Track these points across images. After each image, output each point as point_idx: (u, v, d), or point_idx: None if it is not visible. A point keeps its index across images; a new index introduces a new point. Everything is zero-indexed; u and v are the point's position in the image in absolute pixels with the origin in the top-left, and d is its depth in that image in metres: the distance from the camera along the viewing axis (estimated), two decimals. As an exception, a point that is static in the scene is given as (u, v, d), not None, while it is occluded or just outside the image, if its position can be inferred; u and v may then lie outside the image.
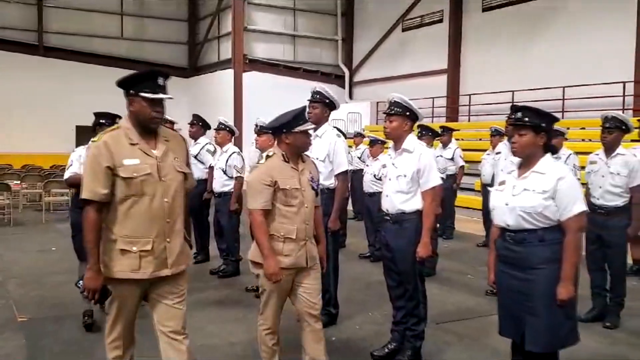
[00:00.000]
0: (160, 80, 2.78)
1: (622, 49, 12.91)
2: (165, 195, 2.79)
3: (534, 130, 2.91)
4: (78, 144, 4.94)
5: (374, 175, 6.85)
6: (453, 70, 17.60)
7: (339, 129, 4.93)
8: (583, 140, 12.23)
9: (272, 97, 17.99)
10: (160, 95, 2.77)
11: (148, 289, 2.88)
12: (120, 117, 4.64)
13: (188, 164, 2.99)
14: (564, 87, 13.86)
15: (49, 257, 7.46)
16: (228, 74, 18.97)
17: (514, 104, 6.25)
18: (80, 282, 2.86)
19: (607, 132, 4.74)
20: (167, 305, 2.88)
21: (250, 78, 18.66)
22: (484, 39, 16.66)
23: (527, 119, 2.93)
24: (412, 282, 3.86)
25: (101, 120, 4.63)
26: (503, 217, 2.95)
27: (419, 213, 3.80)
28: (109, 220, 2.77)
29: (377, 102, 19.43)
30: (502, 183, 3.06)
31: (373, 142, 7.55)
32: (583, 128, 12.84)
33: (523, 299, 2.90)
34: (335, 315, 4.78)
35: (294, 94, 15.60)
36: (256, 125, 7.23)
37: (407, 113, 3.87)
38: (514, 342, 3.09)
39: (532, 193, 2.84)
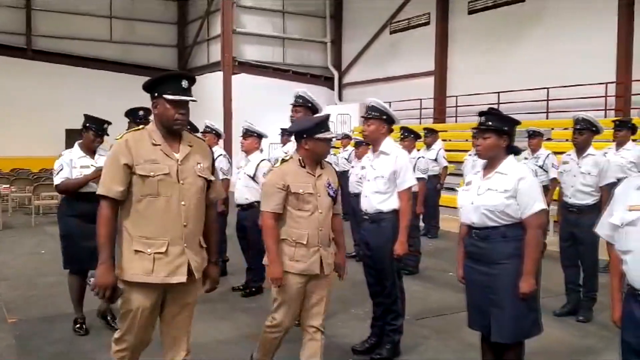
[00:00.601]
0: (184, 83, 2.76)
1: (604, 51, 13.16)
2: (183, 198, 2.73)
3: (497, 133, 3.08)
4: (68, 147, 4.85)
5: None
6: (440, 72, 17.81)
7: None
8: (567, 140, 12.42)
9: (262, 99, 18.17)
10: (182, 97, 2.73)
11: (163, 299, 2.81)
12: (110, 123, 4.65)
13: (214, 173, 2.93)
14: (548, 88, 14.10)
15: (39, 260, 7.55)
16: (217, 76, 19.06)
17: (481, 109, 6.39)
18: (91, 279, 2.75)
19: (578, 133, 4.93)
20: (174, 317, 2.84)
21: (240, 80, 18.76)
22: (470, 41, 16.88)
23: (490, 123, 3.10)
24: (390, 278, 4.01)
25: (87, 124, 4.57)
26: (469, 215, 3.12)
27: (395, 212, 3.96)
28: (125, 219, 2.74)
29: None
30: (468, 183, 3.23)
31: (359, 144, 7.69)
32: (566, 128, 13.07)
33: (488, 292, 3.07)
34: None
35: (284, 96, 15.66)
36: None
37: (384, 117, 4.03)
38: (482, 334, 3.26)
39: (495, 192, 3.01)
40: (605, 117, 12.84)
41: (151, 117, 3.91)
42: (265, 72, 20.10)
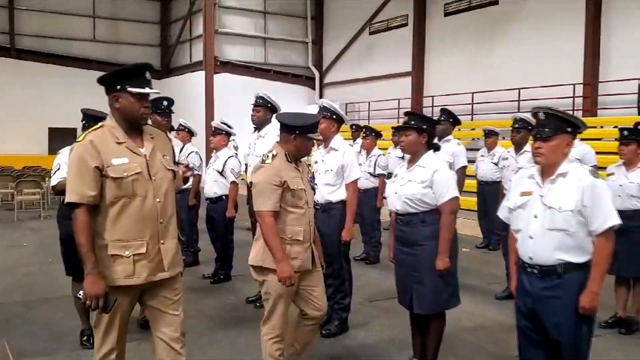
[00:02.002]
0: (147, 75, 2.64)
1: (573, 53, 13.65)
2: (157, 194, 2.65)
3: (418, 131, 3.50)
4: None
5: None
6: (417, 73, 18.26)
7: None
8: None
9: (244, 98, 18.24)
10: (149, 90, 2.62)
11: (142, 295, 2.73)
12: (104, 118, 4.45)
13: (174, 162, 2.87)
14: (519, 89, 14.58)
15: (21, 252, 7.89)
16: (200, 75, 19.34)
17: (443, 107, 6.85)
18: (81, 292, 2.57)
19: (516, 131, 5.39)
20: (162, 312, 2.74)
21: (222, 80, 19.06)
22: (446, 42, 17.35)
23: (412, 122, 3.52)
24: (339, 262, 4.43)
25: (86, 121, 4.10)
26: (394, 203, 3.55)
27: (343, 203, 4.38)
28: (98, 225, 2.59)
29: (347, 104, 20.05)
30: (395, 175, 3.66)
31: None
32: (536, 127, 13.58)
33: (411, 270, 3.50)
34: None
35: (265, 95, 16.15)
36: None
37: (334, 116, 4.44)
38: (410, 310, 3.68)
39: (414, 183, 3.44)
40: (573, 116, 13.37)
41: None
42: (247, 72, 20.44)
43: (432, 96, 17.39)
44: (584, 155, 6.97)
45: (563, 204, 2.70)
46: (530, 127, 5.36)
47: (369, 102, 19.30)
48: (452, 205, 3.46)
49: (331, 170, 4.38)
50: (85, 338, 4.23)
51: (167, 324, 2.75)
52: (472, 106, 16.02)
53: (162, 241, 2.68)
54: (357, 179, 4.42)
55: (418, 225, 3.44)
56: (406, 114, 3.60)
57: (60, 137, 20.03)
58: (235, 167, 5.89)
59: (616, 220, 2.70)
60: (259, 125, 5.18)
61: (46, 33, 20.74)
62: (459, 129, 15.48)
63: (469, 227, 8.89)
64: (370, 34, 20.19)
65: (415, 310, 3.53)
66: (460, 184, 6.09)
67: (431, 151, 3.58)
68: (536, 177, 2.85)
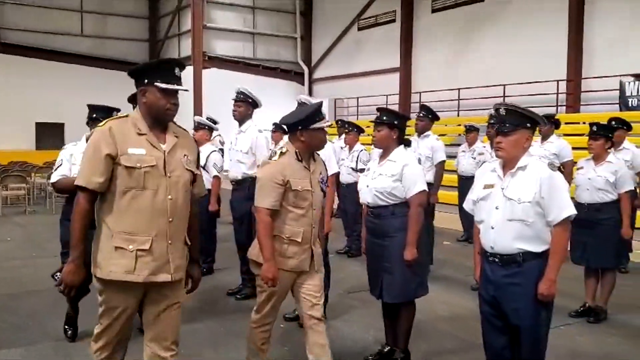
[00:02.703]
0: (177, 71, 2.60)
1: (556, 50, 13.86)
2: (170, 192, 2.56)
3: (389, 126, 3.62)
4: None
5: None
6: (405, 69, 18.42)
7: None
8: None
9: (232, 93, 18.53)
10: (177, 87, 2.58)
11: (143, 298, 2.63)
12: (119, 111, 4.01)
13: (198, 167, 2.79)
14: (504, 85, 14.77)
15: (6, 246, 7.93)
16: (188, 71, 19.25)
17: (422, 104, 6.98)
18: (58, 274, 2.58)
19: (491, 127, 5.53)
20: (157, 317, 2.65)
21: (210, 75, 19.11)
22: (433, 38, 17.51)
23: (384, 117, 3.64)
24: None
25: (94, 115, 4.08)
26: (365, 196, 3.68)
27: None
28: (105, 213, 2.54)
29: (335, 99, 20.18)
30: (368, 170, 3.78)
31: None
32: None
33: (382, 261, 3.62)
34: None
35: (254, 91, 16.21)
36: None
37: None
38: (382, 300, 3.80)
39: (384, 177, 3.56)
40: (557, 113, 13.57)
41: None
42: (236, 67, 20.47)
43: (420, 92, 17.55)
44: (561, 150, 7.16)
45: (522, 195, 2.84)
46: (527, 124, 5.50)
47: (357, 98, 19.42)
48: (420, 198, 3.59)
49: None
50: (68, 322, 4.22)
51: (161, 330, 2.65)
52: (459, 102, 16.19)
53: (170, 241, 2.57)
54: (335, 174, 4.54)
55: (388, 217, 3.57)
56: (378, 109, 3.72)
57: (47, 132, 20.06)
58: (218, 161, 5.98)
59: (572, 211, 2.84)
60: (241, 120, 5.28)
61: (33, 27, 20.64)
62: (445, 125, 15.81)
63: (450, 220, 9.05)
64: (359, 29, 20.32)
65: (385, 300, 3.67)
66: (438, 178, 6.29)
67: (402, 146, 3.70)
68: (498, 171, 2.99)
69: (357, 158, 7.26)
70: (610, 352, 4.27)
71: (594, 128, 4.72)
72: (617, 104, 12.85)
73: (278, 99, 18.02)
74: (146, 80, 2.57)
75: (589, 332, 4.66)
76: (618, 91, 12.81)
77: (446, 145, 13.85)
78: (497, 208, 2.92)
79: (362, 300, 5.33)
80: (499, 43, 15.38)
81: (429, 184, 6.14)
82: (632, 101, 12.61)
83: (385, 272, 3.60)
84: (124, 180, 2.51)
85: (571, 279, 5.59)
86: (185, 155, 2.66)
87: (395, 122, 3.63)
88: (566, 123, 10.83)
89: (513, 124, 2.90)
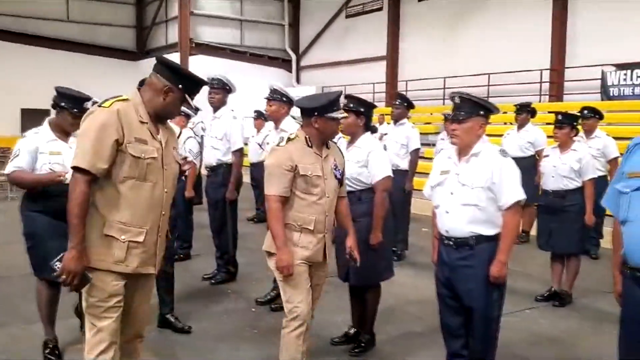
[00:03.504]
0: (200, 90, 2.65)
1: (540, 39, 13.91)
2: (165, 184, 2.54)
3: (356, 114, 3.70)
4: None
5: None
6: (392, 57, 18.45)
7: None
8: (505, 123, 13.25)
9: (219, 81, 18.53)
10: (193, 104, 2.64)
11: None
12: (89, 99, 3.67)
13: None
14: (489, 74, 14.85)
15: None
16: (175, 57, 19.32)
17: (398, 92, 7.06)
18: (57, 263, 2.39)
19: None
20: (134, 307, 2.62)
21: (197, 62, 19.02)
22: (420, 27, 17.53)
23: (351, 105, 3.72)
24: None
25: (62, 104, 3.60)
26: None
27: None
28: (99, 200, 2.42)
29: (323, 87, 20.19)
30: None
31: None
32: (505, 112, 13.87)
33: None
34: (235, 273, 5.54)
35: (241, 78, 16.16)
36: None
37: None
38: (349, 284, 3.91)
39: (351, 163, 3.64)
40: (540, 101, 13.71)
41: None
42: (223, 54, 20.39)
43: (406, 80, 17.60)
44: (536, 138, 7.30)
45: (475, 181, 2.94)
46: (480, 112, 5.59)
47: (344, 86, 19.45)
48: (385, 184, 3.68)
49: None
50: (48, 351, 3.68)
51: (135, 320, 2.63)
52: (444, 91, 16.26)
53: (160, 234, 2.56)
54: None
55: (355, 202, 3.64)
56: (346, 97, 3.79)
57: (33, 119, 19.71)
58: (194, 147, 6.03)
59: (521, 196, 2.94)
60: (217, 107, 5.33)
61: (19, 12, 20.36)
62: (431, 114, 15.92)
63: (429, 208, 9.13)
64: (347, 17, 20.28)
65: (352, 283, 3.77)
66: (413, 166, 6.39)
67: (368, 133, 3.78)
68: (453, 157, 3.09)
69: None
70: (570, 334, 4.41)
71: (559, 117, 4.83)
72: (599, 93, 12.98)
73: (265, 87, 18.01)
74: (181, 85, 2.51)
75: (553, 315, 4.80)
76: (600, 81, 12.94)
77: (431, 133, 14.02)
78: (452, 193, 3.02)
79: (335, 284, 5.39)
80: (484, 32, 15.43)
81: (404, 171, 6.34)
82: (613, 91, 12.74)
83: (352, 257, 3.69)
84: (126, 169, 2.42)
85: (539, 264, 5.76)
86: (174, 147, 2.66)
87: (362, 110, 3.71)
88: (549, 112, 10.95)
89: (467, 112, 3.00)
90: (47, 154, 3.51)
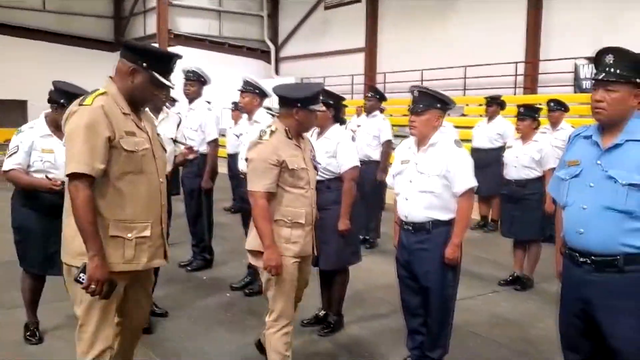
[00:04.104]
0: (174, 65, 2.51)
1: (515, 32, 14.18)
2: (160, 174, 2.51)
3: (325, 106, 3.85)
4: None
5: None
6: (370, 49, 18.62)
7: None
8: (481, 115, 13.52)
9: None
10: (170, 84, 2.52)
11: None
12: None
13: (174, 141, 2.92)
14: (465, 67, 15.10)
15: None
16: (153, 48, 19.27)
17: (370, 85, 7.21)
18: (82, 275, 2.29)
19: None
20: (137, 303, 2.61)
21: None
22: (397, 20, 17.71)
23: (321, 97, 3.86)
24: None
25: (61, 100, 3.43)
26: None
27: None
28: (98, 202, 2.34)
29: (302, 78, 20.28)
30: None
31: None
32: (480, 104, 14.15)
33: (319, 232, 3.86)
34: (211, 260, 5.70)
35: (220, 69, 16.21)
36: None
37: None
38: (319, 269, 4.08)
39: (320, 153, 3.77)
40: (515, 94, 14.01)
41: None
42: (201, 45, 20.34)
43: (384, 72, 17.80)
44: (505, 131, 7.54)
45: (432, 169, 3.14)
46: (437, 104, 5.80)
47: (324, 77, 19.57)
48: (352, 173, 3.85)
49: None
50: (29, 333, 3.81)
51: (138, 317, 2.65)
52: (421, 83, 16.47)
53: (162, 225, 2.52)
54: None
55: (324, 191, 3.78)
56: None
57: (8, 110, 19.68)
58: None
59: (473, 183, 3.15)
60: (192, 98, 5.46)
61: (-7, 2, 20.13)
62: (408, 106, 16.10)
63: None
64: (325, 9, 20.35)
65: (321, 267, 3.95)
66: (385, 157, 6.58)
67: (337, 124, 3.95)
68: (412, 148, 3.28)
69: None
70: (529, 316, 4.65)
71: (521, 110, 5.05)
72: (572, 86, 13.30)
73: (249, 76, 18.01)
74: (145, 64, 2.40)
75: (514, 299, 5.05)
76: (573, 74, 13.27)
77: (408, 125, 14.25)
78: (410, 181, 3.21)
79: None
80: (461, 25, 15.65)
81: (376, 162, 6.53)
82: (585, 83, 13.04)
83: (321, 242, 3.84)
84: (122, 165, 2.36)
85: (505, 251, 6.00)
86: (157, 134, 2.60)
87: (331, 102, 3.87)
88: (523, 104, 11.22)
89: (425, 105, 3.19)
90: (39, 150, 3.50)
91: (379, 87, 18.08)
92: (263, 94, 4.84)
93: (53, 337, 3.92)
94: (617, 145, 2.35)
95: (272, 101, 4.20)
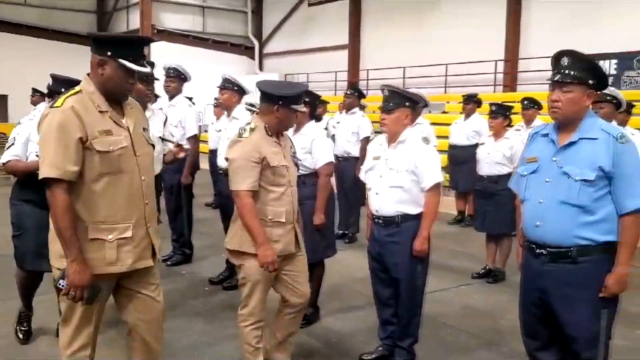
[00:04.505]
0: (145, 50, 2.44)
1: (495, 30, 14.37)
2: (142, 172, 2.42)
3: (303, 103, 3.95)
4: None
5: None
6: (353, 46, 18.73)
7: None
8: (461, 113, 13.70)
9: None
10: (142, 69, 2.40)
11: (120, 281, 2.49)
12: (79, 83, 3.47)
13: (162, 138, 2.80)
14: (447, 65, 15.28)
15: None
16: (136, 44, 19.18)
17: (350, 82, 7.32)
18: (62, 281, 2.28)
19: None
20: (144, 295, 2.54)
21: (159, 48, 18.95)
22: (380, 18, 17.84)
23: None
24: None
25: (62, 89, 3.29)
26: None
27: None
28: (76, 205, 2.30)
29: (286, 75, 20.35)
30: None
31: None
32: (460, 102, 14.32)
33: (294, 226, 3.99)
34: (190, 255, 5.78)
35: (203, 64, 16.22)
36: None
37: (236, 88, 4.86)
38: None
39: (296, 149, 3.87)
40: (495, 92, 14.22)
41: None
42: (185, 41, 20.32)
43: (367, 69, 17.93)
44: (481, 128, 7.70)
45: (401, 165, 3.26)
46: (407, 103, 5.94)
47: (307, 74, 19.66)
48: (327, 169, 3.96)
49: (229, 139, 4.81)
50: (19, 320, 3.84)
51: (149, 309, 2.56)
52: (404, 80, 16.65)
53: (148, 224, 2.46)
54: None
55: (299, 186, 3.83)
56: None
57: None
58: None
59: (439, 178, 3.28)
60: (172, 95, 5.52)
61: (-27, -5, 19.91)
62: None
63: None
64: (309, 5, 20.43)
65: (296, 260, 4.04)
66: (363, 153, 6.67)
67: (312, 121, 4.06)
68: (383, 144, 3.40)
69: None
70: (500, 307, 4.79)
71: (493, 108, 5.20)
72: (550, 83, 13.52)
73: (228, 73, 18.07)
74: (109, 52, 2.33)
75: (485, 291, 5.20)
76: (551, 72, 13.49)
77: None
78: (381, 177, 3.33)
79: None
80: (443, 23, 15.81)
81: (356, 158, 6.65)
82: (563, 82, 13.30)
83: (298, 237, 3.97)
84: (97, 166, 2.30)
85: (480, 245, 6.16)
86: (144, 128, 2.51)
87: (307, 100, 3.96)
88: (503, 102, 11.40)
89: (395, 103, 3.30)
90: (35, 142, 3.32)
91: (362, 83, 18.38)
92: (242, 91, 4.92)
93: (44, 332, 3.91)
94: (572, 143, 2.49)
95: (255, 97, 4.21)
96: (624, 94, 9.78)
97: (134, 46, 2.41)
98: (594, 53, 12.34)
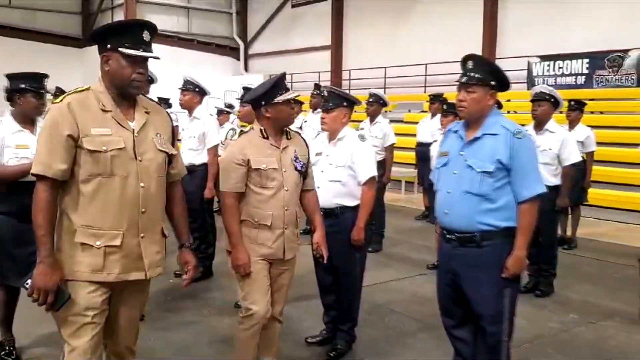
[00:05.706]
0: (146, 35, 2.25)
1: (472, 31, 14.68)
2: (142, 178, 2.26)
3: None
4: None
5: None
6: (336, 47, 19.02)
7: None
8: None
9: (166, 68, 18.56)
10: (144, 53, 2.23)
11: (111, 295, 2.32)
12: (47, 77, 3.62)
13: (174, 145, 2.45)
14: (426, 65, 15.58)
15: None
16: (121, 45, 19.32)
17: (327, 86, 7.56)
18: (28, 281, 2.17)
19: (369, 105, 6.24)
20: (128, 316, 2.39)
21: (144, 49, 19.16)
22: (362, 19, 18.14)
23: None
24: (202, 217, 5.16)
25: (22, 85, 3.39)
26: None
27: (205, 165, 5.08)
28: (66, 205, 2.22)
29: (270, 75, 20.56)
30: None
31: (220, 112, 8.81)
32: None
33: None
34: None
35: (188, 66, 16.41)
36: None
37: (197, 89, 5.09)
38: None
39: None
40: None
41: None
42: (170, 42, 20.42)
43: (350, 70, 18.21)
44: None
45: (339, 161, 3.53)
46: (381, 101, 6.23)
47: (291, 74, 19.89)
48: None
49: (194, 137, 5.07)
50: (5, 352, 3.53)
51: (125, 333, 2.42)
52: (385, 80, 16.94)
53: (142, 234, 2.28)
54: (216, 145, 5.11)
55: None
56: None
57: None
58: None
59: (374, 173, 3.55)
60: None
61: (-43, -4, 19.97)
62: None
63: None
64: (293, 6, 20.69)
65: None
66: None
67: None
68: (325, 141, 3.66)
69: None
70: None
71: (445, 106, 5.49)
72: (525, 82, 13.86)
73: (214, 74, 18.30)
74: (109, 45, 2.23)
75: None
76: (526, 71, 13.83)
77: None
78: (322, 171, 3.59)
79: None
80: (423, 24, 16.13)
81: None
82: (538, 81, 13.59)
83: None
84: (88, 167, 2.19)
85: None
86: (158, 134, 2.35)
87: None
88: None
89: (334, 103, 3.57)
90: (13, 147, 3.32)
91: (344, 83, 18.67)
92: (202, 92, 5.17)
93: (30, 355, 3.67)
94: (476, 139, 2.77)
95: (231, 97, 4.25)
96: (595, 93, 10.10)
97: (132, 31, 2.25)
98: (566, 53, 12.78)
